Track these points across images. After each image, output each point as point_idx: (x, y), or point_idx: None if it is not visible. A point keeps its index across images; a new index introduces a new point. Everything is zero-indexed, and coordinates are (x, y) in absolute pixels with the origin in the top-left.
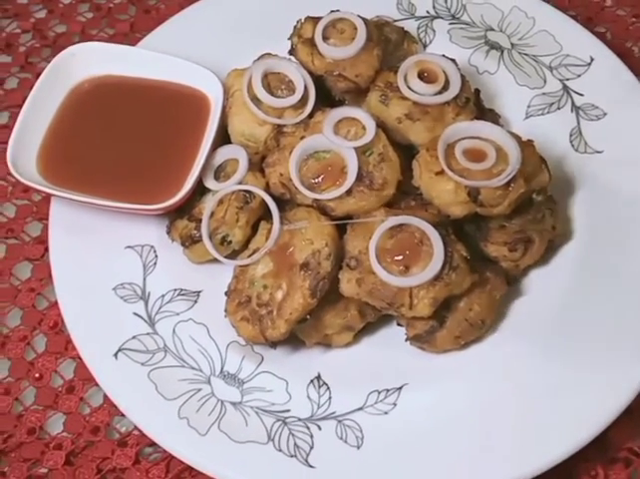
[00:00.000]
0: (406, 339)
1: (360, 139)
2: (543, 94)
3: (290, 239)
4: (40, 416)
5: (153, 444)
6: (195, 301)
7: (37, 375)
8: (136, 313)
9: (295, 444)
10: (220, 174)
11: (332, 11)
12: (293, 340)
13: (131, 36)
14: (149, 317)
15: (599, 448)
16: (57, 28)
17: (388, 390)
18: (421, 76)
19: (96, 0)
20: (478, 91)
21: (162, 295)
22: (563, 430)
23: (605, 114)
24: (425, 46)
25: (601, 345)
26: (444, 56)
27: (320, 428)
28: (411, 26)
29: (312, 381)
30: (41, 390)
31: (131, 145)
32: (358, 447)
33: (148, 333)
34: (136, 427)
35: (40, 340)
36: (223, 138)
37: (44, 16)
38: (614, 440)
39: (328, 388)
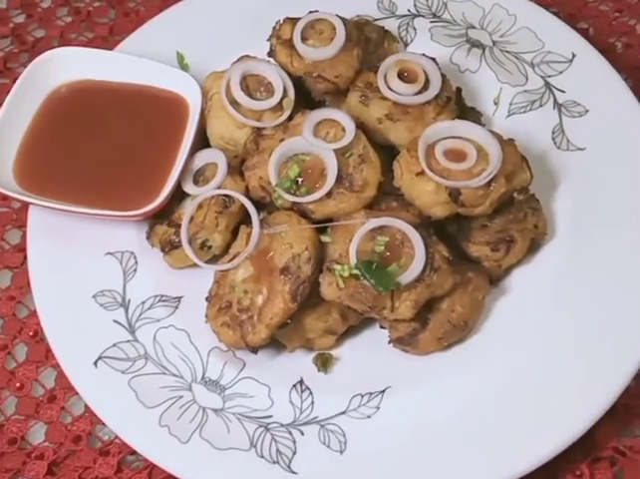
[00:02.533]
0: (389, 342)
1: (339, 140)
2: (525, 91)
3: (270, 243)
4: (21, 426)
5: (135, 452)
6: (176, 307)
7: (18, 385)
8: (116, 321)
9: (278, 450)
10: (199, 178)
11: (311, 12)
12: (275, 345)
13: (110, 39)
14: (129, 324)
15: (584, 447)
16: (36, 32)
17: (371, 394)
18: (401, 76)
19: (75, 4)
20: (459, 89)
21: (143, 302)
22: (548, 430)
23: (587, 110)
24: (406, 45)
25: (585, 344)
26: (424, 55)
27: (303, 433)
28: (392, 25)
29: (294, 386)
30: (22, 400)
31: (109, 150)
32: (341, 452)
33: (128, 341)
34: (117, 435)
35: (20, 349)
36: (202, 141)
37: (23, 21)
38: (599, 439)
39: (311, 393)
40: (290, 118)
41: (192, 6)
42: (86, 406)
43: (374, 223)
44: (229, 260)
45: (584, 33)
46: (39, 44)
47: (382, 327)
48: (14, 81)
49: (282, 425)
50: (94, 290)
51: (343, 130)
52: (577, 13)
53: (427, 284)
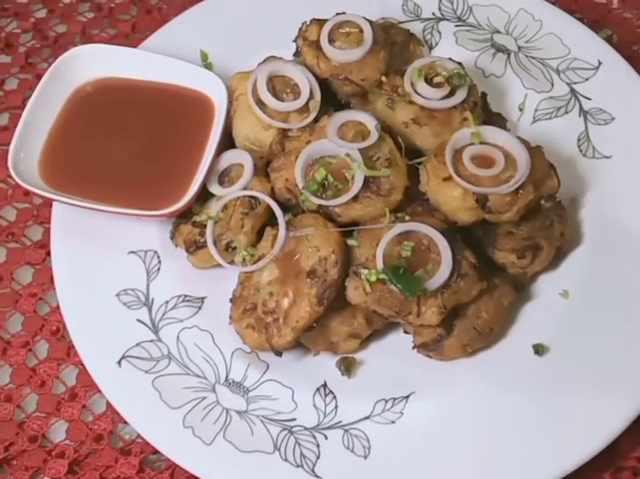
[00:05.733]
0: (413, 347)
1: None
2: (551, 97)
3: (296, 245)
4: (42, 424)
5: (157, 452)
6: (200, 308)
7: (39, 382)
8: (139, 320)
9: (302, 454)
10: (224, 179)
11: (338, 13)
12: (299, 348)
13: (132, 36)
14: (152, 324)
15: (608, 457)
16: (57, 28)
17: (395, 399)
18: (428, 80)
19: (97, 0)
20: (484, 94)
21: (166, 302)
22: (572, 440)
23: (613, 118)
24: (430, 48)
25: (611, 352)
26: (450, 59)
27: (327, 437)
28: (416, 28)
29: (318, 389)
30: (43, 397)
31: (133, 148)
32: (365, 457)
33: (151, 340)
34: (139, 435)
35: (42, 346)
36: (227, 142)
37: (44, 16)
38: (623, 449)
39: (334, 397)
40: (316, 120)
41: (215, 5)
42: (107, 405)
43: (401, 227)
44: (254, 262)
45: (608, 40)
46: (61, 39)
47: (406, 332)
48: (36, 76)
49: (306, 429)
50: (117, 289)
51: (368, 132)
52: (601, 20)
53: (453, 291)
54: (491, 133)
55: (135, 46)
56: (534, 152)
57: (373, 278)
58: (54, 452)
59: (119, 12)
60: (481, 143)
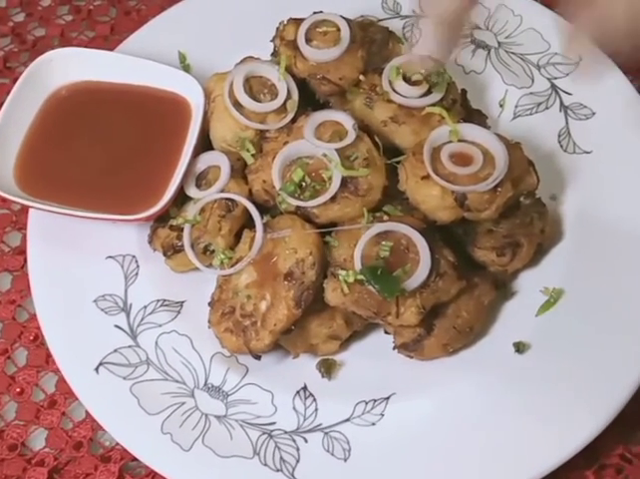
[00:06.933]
0: (394, 348)
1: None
2: (531, 93)
3: (274, 247)
4: (21, 432)
5: (137, 459)
6: (179, 312)
7: (18, 390)
8: (117, 326)
9: (281, 458)
10: (202, 181)
11: (315, 12)
12: (278, 351)
13: (111, 39)
14: (130, 330)
15: (590, 455)
16: (36, 31)
17: (375, 400)
18: (405, 78)
19: (75, 2)
20: (464, 91)
21: (145, 307)
22: (554, 439)
23: (594, 113)
24: (410, 46)
25: (592, 350)
26: (429, 56)
27: (306, 441)
28: (396, 25)
29: (298, 392)
30: (22, 405)
31: (110, 152)
32: (345, 460)
33: (129, 346)
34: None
35: (20, 354)
36: (205, 144)
37: (22, 19)
38: (605, 446)
39: (314, 399)
40: (294, 120)
41: (194, 5)
42: (87, 412)
43: (379, 227)
44: (232, 265)
45: None
46: (39, 43)
47: (386, 333)
48: (14, 81)
49: (286, 432)
50: (95, 295)
51: (346, 132)
52: None
53: (432, 290)
54: (470, 130)
55: (114, 48)
56: (513, 149)
57: (351, 279)
58: (33, 460)
59: (97, 14)
60: (460, 140)
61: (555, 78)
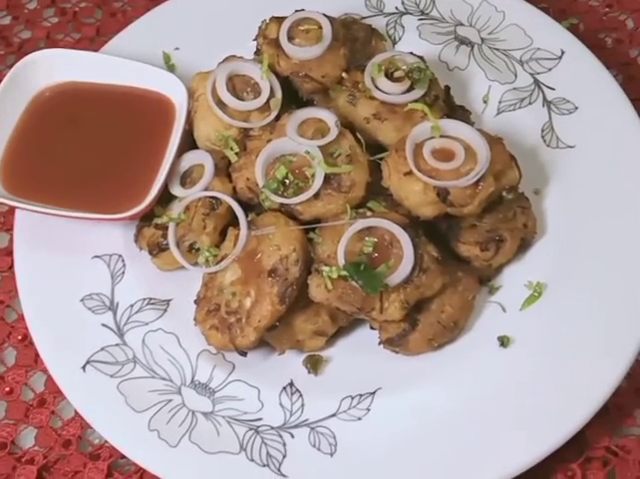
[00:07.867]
0: (379, 343)
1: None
2: (514, 89)
3: (258, 245)
4: (11, 431)
5: (125, 456)
6: (165, 310)
7: (7, 389)
8: (104, 324)
9: (268, 453)
10: (186, 180)
11: (297, 10)
12: (265, 347)
13: (97, 40)
14: (117, 328)
15: (576, 447)
16: (22, 34)
17: (361, 395)
18: (388, 74)
19: (61, 4)
20: (448, 88)
21: (131, 305)
22: (539, 430)
23: (577, 108)
24: (394, 43)
25: (577, 343)
26: (411, 53)
27: (293, 436)
28: (379, 23)
29: (284, 388)
30: (12, 404)
31: (95, 152)
32: (331, 454)
33: (116, 344)
34: None
35: (9, 354)
36: (189, 143)
37: (9, 22)
38: (591, 439)
39: (301, 395)
40: (278, 118)
41: (178, 6)
42: (76, 410)
43: (361, 223)
44: (217, 263)
45: (575, 29)
46: (25, 45)
47: (372, 328)
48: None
49: (272, 428)
50: (81, 294)
51: (328, 129)
52: (567, 8)
53: (416, 285)
54: (452, 126)
55: (99, 49)
56: (495, 143)
57: (334, 275)
58: (23, 459)
59: (83, 16)
60: (442, 136)
61: (538, 73)
